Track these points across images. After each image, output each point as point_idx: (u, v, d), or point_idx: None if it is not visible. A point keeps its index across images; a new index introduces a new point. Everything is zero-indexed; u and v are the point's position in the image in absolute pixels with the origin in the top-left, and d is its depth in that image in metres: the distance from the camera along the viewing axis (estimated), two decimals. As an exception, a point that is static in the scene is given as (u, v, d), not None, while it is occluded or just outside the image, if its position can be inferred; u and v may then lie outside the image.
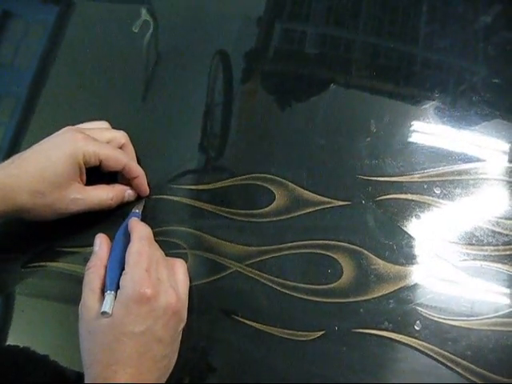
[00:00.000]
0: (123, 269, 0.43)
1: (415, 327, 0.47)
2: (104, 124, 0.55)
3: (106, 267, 0.45)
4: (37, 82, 0.62)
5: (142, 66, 0.62)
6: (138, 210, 0.51)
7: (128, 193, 0.53)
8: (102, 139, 0.51)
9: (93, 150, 0.49)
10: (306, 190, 0.53)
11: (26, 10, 0.69)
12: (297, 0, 0.67)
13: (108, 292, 0.42)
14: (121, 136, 0.53)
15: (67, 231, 0.52)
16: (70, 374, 0.47)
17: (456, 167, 0.54)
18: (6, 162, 0.48)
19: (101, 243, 0.47)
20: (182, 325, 0.45)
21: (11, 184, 0.46)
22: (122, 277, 0.43)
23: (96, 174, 0.51)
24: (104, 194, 0.51)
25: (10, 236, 0.52)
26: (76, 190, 0.49)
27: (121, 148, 0.53)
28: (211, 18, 0.65)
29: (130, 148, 0.54)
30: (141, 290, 0.41)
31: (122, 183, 0.53)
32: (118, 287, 0.43)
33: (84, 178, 0.50)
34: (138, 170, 0.52)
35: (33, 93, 0.61)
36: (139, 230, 0.46)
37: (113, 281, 0.43)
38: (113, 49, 0.63)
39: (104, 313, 0.41)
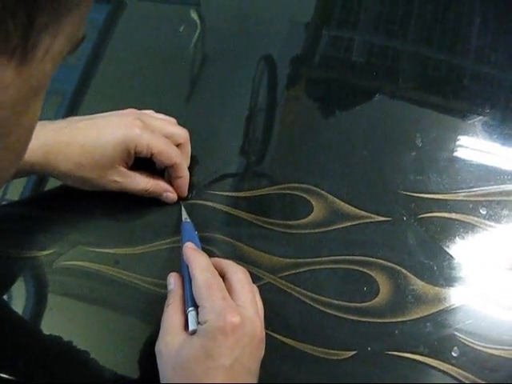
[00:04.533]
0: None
1: (452, 353, 0.45)
2: (171, 119, 0.54)
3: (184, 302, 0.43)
4: (84, 80, 0.63)
5: (188, 68, 0.62)
6: (188, 219, 0.50)
7: (167, 194, 0.52)
8: (160, 132, 0.51)
9: (147, 142, 0.48)
10: (346, 202, 0.52)
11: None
12: (345, 7, 0.67)
13: (190, 309, 0.42)
14: (181, 134, 0.52)
15: (97, 231, 0.52)
16: (99, 373, 0.47)
17: (504, 187, 0.52)
18: (60, 122, 0.49)
19: (175, 281, 0.45)
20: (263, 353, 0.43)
21: (57, 150, 0.47)
22: (199, 313, 0.40)
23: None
24: (142, 184, 0.51)
25: (40, 234, 0.52)
26: (118, 173, 0.49)
27: (178, 146, 0.52)
28: (259, 21, 0.65)
29: (187, 149, 0.53)
30: (227, 319, 0.38)
31: (165, 179, 0.53)
32: (196, 309, 0.41)
33: (131, 163, 0.50)
34: (184, 171, 0.52)
35: (79, 91, 0.62)
36: (197, 260, 0.43)
37: (192, 298, 0.42)
38: (160, 49, 0.63)
39: (192, 331, 0.40)
